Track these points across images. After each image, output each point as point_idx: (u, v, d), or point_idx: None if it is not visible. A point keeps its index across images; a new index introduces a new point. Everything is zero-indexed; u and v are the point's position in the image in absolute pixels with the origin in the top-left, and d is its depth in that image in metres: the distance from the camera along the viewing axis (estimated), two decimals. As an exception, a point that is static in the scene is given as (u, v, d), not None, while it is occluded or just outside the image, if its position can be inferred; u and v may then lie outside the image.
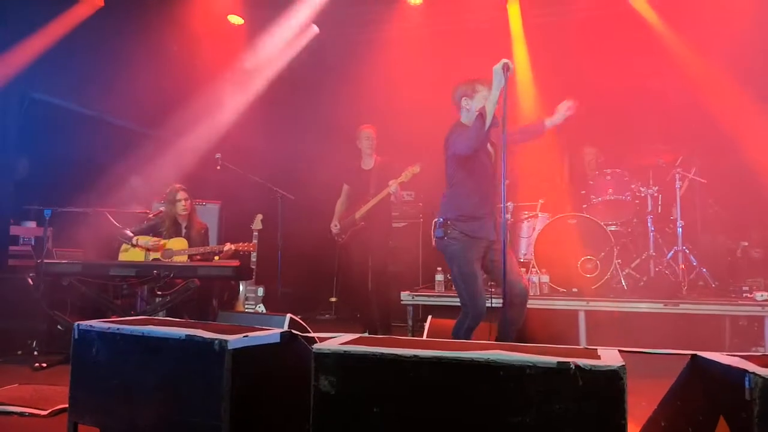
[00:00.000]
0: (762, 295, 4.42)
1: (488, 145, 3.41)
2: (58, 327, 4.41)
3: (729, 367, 1.61)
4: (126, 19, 5.97)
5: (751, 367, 1.53)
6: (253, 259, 5.20)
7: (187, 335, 2.05)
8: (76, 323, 2.37)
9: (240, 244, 4.76)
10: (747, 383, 1.49)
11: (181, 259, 4.73)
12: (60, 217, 4.85)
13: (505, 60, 3.02)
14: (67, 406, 2.35)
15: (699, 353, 1.85)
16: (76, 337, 2.34)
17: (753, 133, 5.37)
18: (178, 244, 4.82)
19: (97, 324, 2.31)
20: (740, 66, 5.40)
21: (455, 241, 3.30)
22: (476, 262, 3.30)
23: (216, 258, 4.82)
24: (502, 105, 3.02)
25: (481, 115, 3.14)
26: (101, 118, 5.97)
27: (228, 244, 4.75)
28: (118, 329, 2.24)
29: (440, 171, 3.63)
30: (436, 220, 3.47)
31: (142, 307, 4.67)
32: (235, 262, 4.40)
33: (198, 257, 4.77)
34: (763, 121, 5.29)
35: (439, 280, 5.19)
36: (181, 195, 4.93)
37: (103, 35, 5.76)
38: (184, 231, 4.96)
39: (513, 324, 3.26)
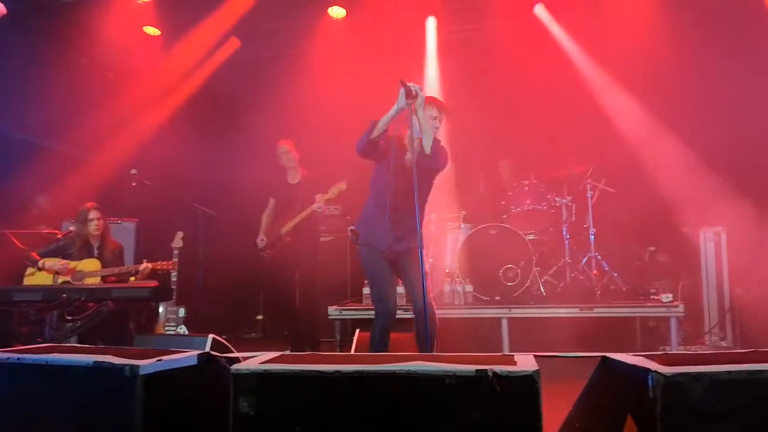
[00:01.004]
0: (667, 297, 4.72)
1: (406, 160, 3.44)
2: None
3: (634, 366, 1.70)
4: (32, 29, 5.64)
5: (654, 366, 1.62)
6: (174, 278, 5.00)
7: (94, 362, 1.93)
8: (-29, 354, 2.18)
9: (158, 262, 4.56)
10: (650, 381, 1.57)
11: (94, 280, 4.48)
12: (-44, 239, 4.48)
13: (409, 84, 3.04)
14: (-39, 445, 2.16)
15: (608, 354, 1.94)
16: (-29, 369, 2.15)
17: (656, 144, 5.75)
18: (90, 265, 4.56)
19: (-6, 354, 2.14)
20: (643, 78, 5.78)
21: (362, 247, 3.51)
22: (381, 267, 3.44)
23: (132, 278, 4.59)
24: (412, 129, 3.12)
25: (371, 124, 3.26)
26: (2, 134, 5.59)
27: (145, 262, 4.54)
28: (18, 359, 2.08)
29: (366, 185, 3.67)
30: (350, 227, 3.65)
31: (50, 334, 4.37)
32: (153, 283, 4.21)
33: (112, 278, 4.53)
34: (665, 131, 5.67)
35: (366, 293, 5.20)
36: (93, 214, 4.66)
37: (5, 48, 5.41)
38: (96, 251, 4.69)
39: (423, 338, 3.31)
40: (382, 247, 3.43)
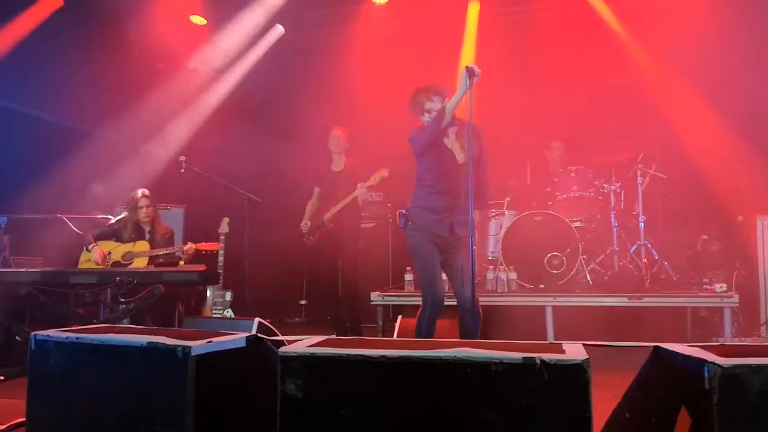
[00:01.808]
0: (721, 287, 4.55)
1: (449, 144, 3.44)
2: (16, 338, 4.26)
3: (689, 357, 1.65)
4: (85, 20, 5.81)
5: (710, 357, 1.56)
6: (220, 263, 5.12)
7: (148, 342, 2.00)
8: (32, 333, 2.28)
9: (203, 243, 4.68)
10: (706, 373, 1.52)
11: (142, 261, 4.63)
12: (17, 224, 4.69)
13: (470, 64, 3.09)
14: (24, 420, 2.27)
15: (660, 345, 1.88)
16: (33, 348, 2.25)
17: (710, 130, 5.53)
18: (140, 247, 4.73)
19: (54, 334, 2.23)
20: (694, 65, 5.55)
21: (413, 232, 3.45)
22: (433, 253, 3.40)
23: (181, 262, 4.73)
24: (468, 110, 3.09)
25: (441, 111, 3.24)
26: (60, 122, 5.80)
27: (190, 243, 4.67)
28: (76, 338, 2.17)
29: (408, 172, 3.66)
30: (400, 210, 3.59)
31: (105, 315, 4.55)
32: (201, 267, 4.31)
33: (161, 260, 4.67)
34: (719, 116, 5.45)
35: (408, 280, 5.20)
36: (142, 201, 4.83)
37: (61, 38, 5.60)
38: (147, 236, 4.86)
39: (466, 326, 3.32)
40: (443, 234, 3.39)
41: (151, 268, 4.52)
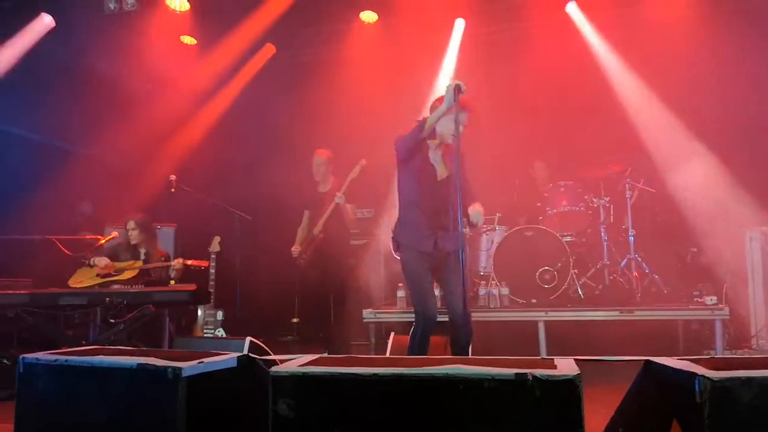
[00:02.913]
0: (711, 300, 4.57)
1: (432, 160, 3.45)
2: (4, 361, 4.20)
3: (680, 371, 1.66)
4: (76, 40, 5.83)
5: (700, 370, 1.57)
6: (211, 282, 5.10)
7: (138, 364, 1.98)
8: (21, 356, 2.26)
9: (192, 260, 4.67)
10: (697, 386, 1.53)
11: (132, 273, 4.63)
12: (5, 245, 4.65)
13: (457, 81, 3.11)
14: (12, 444, 2.24)
15: (652, 359, 1.89)
16: (21, 370, 2.22)
17: (698, 143, 5.60)
18: (134, 265, 4.73)
19: (43, 356, 2.21)
20: (681, 79, 5.64)
21: (403, 251, 3.47)
22: (424, 271, 3.40)
23: (172, 281, 4.70)
24: (455, 128, 3.10)
25: (421, 122, 3.28)
26: (49, 143, 5.79)
27: (178, 259, 4.66)
28: (65, 361, 2.14)
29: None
30: (392, 235, 3.61)
31: (94, 337, 4.50)
32: (192, 286, 4.30)
33: (152, 278, 4.66)
34: (707, 130, 5.52)
35: (400, 297, 5.19)
36: (130, 225, 4.88)
37: (51, 58, 5.61)
38: (143, 257, 4.85)
39: (458, 343, 3.31)
40: (428, 249, 3.39)
41: (141, 288, 4.48)
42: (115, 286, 4.56)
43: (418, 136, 3.27)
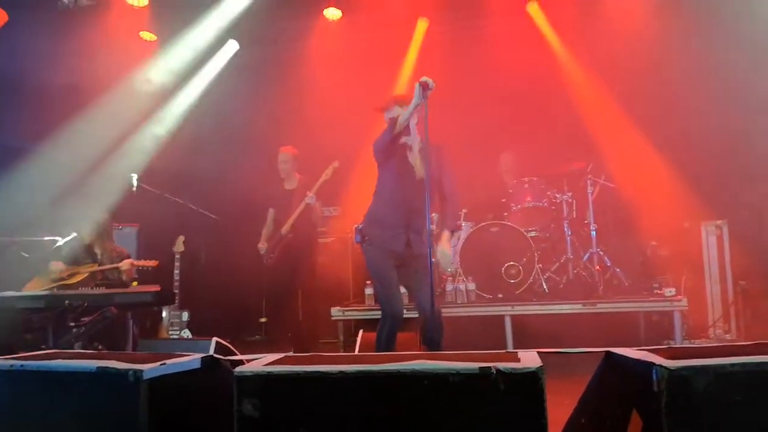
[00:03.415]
0: (670, 291, 4.71)
1: (411, 160, 3.45)
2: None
3: (638, 361, 1.70)
4: (31, 35, 5.64)
5: (658, 359, 1.61)
6: (176, 282, 5.01)
7: (98, 367, 1.93)
8: (-26, 362, 2.18)
9: (141, 260, 4.57)
10: (654, 375, 1.57)
11: (80, 277, 4.52)
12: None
13: (424, 78, 3.11)
14: (-35, 454, 2.16)
15: (612, 349, 1.93)
16: (-25, 377, 2.15)
17: (654, 138, 5.75)
18: (87, 268, 4.60)
19: (-2, 362, 2.14)
20: (637, 75, 5.78)
21: (369, 247, 3.44)
22: (390, 268, 3.40)
23: (134, 283, 4.60)
24: (423, 122, 3.12)
25: (392, 122, 3.29)
26: (1, 142, 5.59)
27: (127, 260, 4.55)
28: (21, 366, 2.07)
29: (367, 185, 3.66)
30: (355, 225, 3.59)
31: (54, 341, 4.38)
32: (155, 287, 4.22)
33: (102, 278, 4.55)
34: (662, 124, 5.66)
35: (369, 294, 5.19)
36: (84, 224, 4.72)
37: (6, 51, 5.41)
38: (99, 257, 4.72)
39: (431, 339, 3.32)
40: (398, 250, 3.37)
41: (102, 291, 4.38)
42: (74, 290, 4.43)
43: (391, 135, 3.28)
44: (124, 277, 4.54)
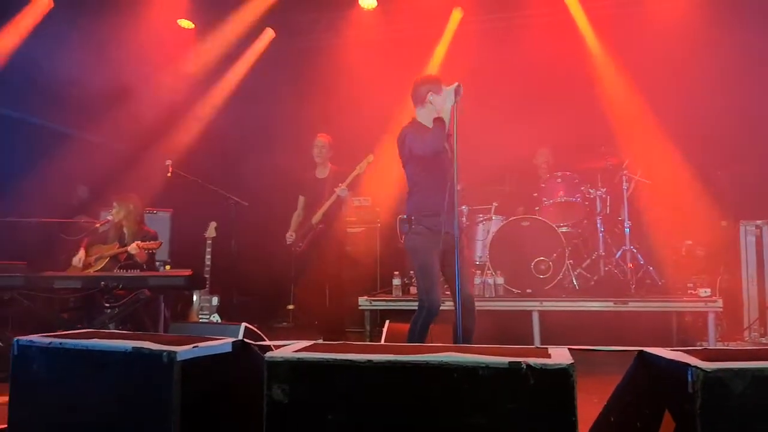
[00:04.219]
0: (705, 292, 4.60)
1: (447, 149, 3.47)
2: (-1, 343, 4.20)
3: (673, 361, 1.66)
4: (71, 23, 5.76)
5: (693, 361, 1.58)
6: (207, 267, 5.10)
7: (133, 347, 1.98)
8: (15, 338, 2.25)
9: (147, 242, 4.67)
10: (689, 377, 1.53)
11: (101, 263, 4.67)
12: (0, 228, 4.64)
13: (457, 83, 3.24)
14: (6, 426, 2.24)
15: (645, 349, 1.90)
16: (16, 353, 2.22)
17: (694, 135, 5.60)
18: (109, 249, 4.74)
19: (37, 339, 2.21)
20: (675, 72, 5.63)
21: (417, 236, 3.43)
22: (436, 257, 3.39)
23: (167, 266, 4.70)
24: (452, 122, 3.21)
25: (441, 120, 3.34)
26: (45, 125, 5.75)
27: (134, 243, 4.65)
28: (60, 344, 2.14)
29: (397, 175, 3.66)
30: (400, 216, 3.56)
31: (89, 321, 4.50)
32: (187, 271, 4.30)
33: (129, 261, 4.67)
34: (702, 122, 5.51)
35: (396, 285, 5.20)
36: (114, 205, 4.86)
37: (48, 40, 5.55)
38: (127, 239, 4.84)
39: (465, 329, 3.29)
40: (450, 230, 3.34)
41: (137, 273, 4.48)
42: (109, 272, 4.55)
43: (442, 135, 3.35)
44: (137, 259, 4.64)
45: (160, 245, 4.79)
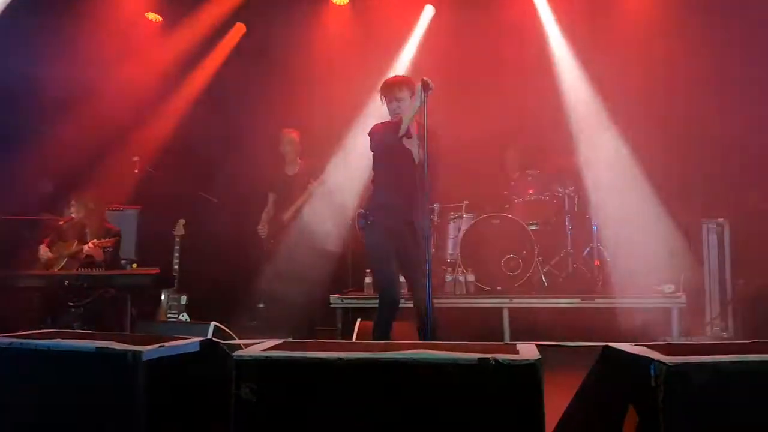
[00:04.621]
0: (669, 288, 4.71)
1: (408, 145, 3.48)
2: (-43, 344, 4.07)
3: (636, 356, 1.70)
4: (38, 15, 5.59)
5: (656, 355, 1.62)
6: (175, 265, 5.02)
7: (97, 348, 1.94)
8: (-26, 339, 2.18)
9: (102, 240, 4.58)
10: (652, 371, 1.57)
11: (60, 263, 4.56)
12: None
13: (424, 78, 3.19)
14: (-37, 430, 2.17)
15: (609, 344, 1.93)
16: (-25, 354, 2.15)
17: (656, 134, 5.71)
18: (69, 247, 4.64)
19: (-2, 339, 2.14)
20: (639, 70, 5.72)
21: (371, 231, 3.45)
22: (391, 254, 3.41)
23: (134, 265, 4.62)
24: (423, 120, 3.18)
25: (397, 123, 3.36)
26: (5, 121, 5.57)
27: (91, 242, 4.56)
28: (21, 344, 2.08)
29: (369, 172, 3.67)
30: (358, 211, 3.59)
31: (53, 320, 4.39)
32: (155, 270, 4.23)
33: (90, 259, 4.58)
34: (665, 121, 5.63)
35: (368, 282, 5.20)
36: (72, 203, 4.73)
37: (11, 31, 5.37)
38: (87, 237, 4.72)
39: (425, 331, 3.30)
40: (399, 227, 3.40)
41: (103, 271, 4.38)
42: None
43: (395, 137, 3.36)
44: (95, 258, 4.53)
45: (118, 241, 4.68)
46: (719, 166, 5.48)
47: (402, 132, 3.35)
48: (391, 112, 3.51)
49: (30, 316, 4.51)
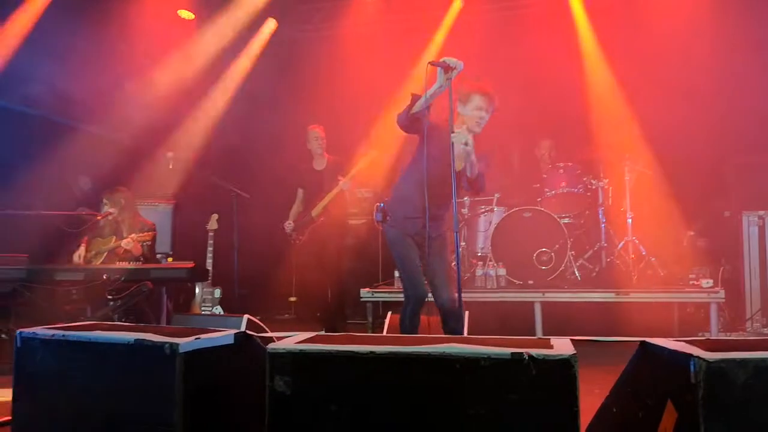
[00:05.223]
0: (707, 283, 4.60)
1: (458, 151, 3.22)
2: (2, 335, 4.22)
3: (675, 352, 1.66)
4: (72, 14, 5.73)
5: (696, 351, 1.58)
6: (209, 259, 5.10)
7: (135, 339, 1.99)
8: (18, 331, 2.26)
9: (141, 234, 4.67)
10: (692, 367, 1.53)
11: (98, 260, 4.67)
12: (1, 220, 4.64)
13: (444, 59, 2.93)
14: (9, 419, 2.25)
15: (647, 340, 1.89)
16: (19, 345, 2.23)
17: (696, 126, 5.57)
18: (106, 243, 4.74)
19: (40, 331, 2.21)
20: (679, 62, 5.59)
21: (389, 227, 3.36)
22: (411, 248, 3.31)
23: (169, 259, 4.71)
24: (448, 107, 2.98)
25: (412, 102, 3.11)
26: (45, 117, 5.73)
27: (129, 238, 4.65)
28: (63, 336, 2.14)
29: (399, 167, 3.65)
30: (377, 204, 3.45)
31: (92, 313, 4.52)
32: (190, 264, 4.30)
33: (127, 254, 4.68)
34: (704, 113, 5.48)
35: (398, 276, 5.19)
36: (104, 201, 4.83)
37: (48, 33, 5.52)
38: (124, 233, 4.82)
39: (451, 329, 3.26)
40: (411, 232, 3.30)
41: (140, 265, 4.48)
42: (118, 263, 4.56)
43: (407, 112, 3.11)
44: (134, 253, 4.63)
45: (155, 236, 4.78)
46: (760, 158, 5.32)
47: (414, 110, 3.09)
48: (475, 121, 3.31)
49: (70, 309, 4.65)
